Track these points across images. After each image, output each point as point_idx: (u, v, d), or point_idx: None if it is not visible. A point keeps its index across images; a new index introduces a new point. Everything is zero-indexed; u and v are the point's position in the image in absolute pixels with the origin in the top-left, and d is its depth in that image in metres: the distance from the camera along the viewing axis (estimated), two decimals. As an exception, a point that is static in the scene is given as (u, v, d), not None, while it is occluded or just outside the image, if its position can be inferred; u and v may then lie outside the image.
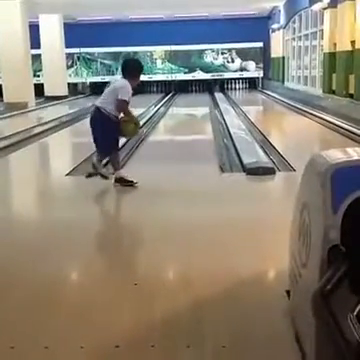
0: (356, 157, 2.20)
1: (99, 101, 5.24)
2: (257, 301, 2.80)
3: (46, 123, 11.93)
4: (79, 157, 7.17)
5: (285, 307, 2.59)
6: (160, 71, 23.24)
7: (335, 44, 12.79)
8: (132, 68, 5.27)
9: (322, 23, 14.15)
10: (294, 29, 18.95)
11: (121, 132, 5.29)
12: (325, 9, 13.39)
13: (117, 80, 5.32)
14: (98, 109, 5.17)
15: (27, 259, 3.56)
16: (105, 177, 5.36)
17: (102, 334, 2.51)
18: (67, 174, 6.25)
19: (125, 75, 5.20)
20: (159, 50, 23.04)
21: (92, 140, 5.40)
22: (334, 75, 12.93)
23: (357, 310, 1.61)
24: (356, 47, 11.25)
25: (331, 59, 13.00)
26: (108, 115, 5.11)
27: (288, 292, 2.59)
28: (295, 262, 2.32)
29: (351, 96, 11.59)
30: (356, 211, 1.91)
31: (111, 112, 5.11)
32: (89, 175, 5.91)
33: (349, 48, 11.69)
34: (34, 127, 11.25)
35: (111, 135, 5.21)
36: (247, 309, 2.72)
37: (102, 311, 2.76)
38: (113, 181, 5.33)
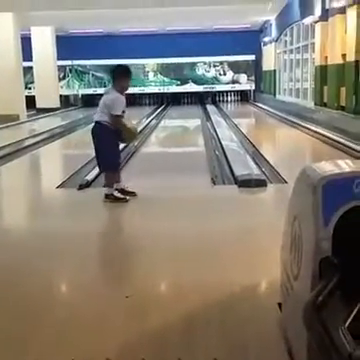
0: (347, 169, 2.20)
1: (97, 115, 5.21)
2: (249, 313, 2.79)
3: (37, 135, 11.91)
4: (70, 169, 7.15)
5: (277, 319, 2.58)
6: (152, 83, 23.34)
7: (326, 57, 12.91)
8: (116, 72, 5.23)
9: (313, 36, 14.30)
10: (286, 42, 19.13)
11: (120, 139, 5.33)
12: (316, 22, 13.53)
13: (108, 92, 5.27)
14: (98, 123, 5.17)
15: (16, 271, 3.53)
16: (132, 193, 5.35)
17: (93, 347, 2.48)
18: (58, 186, 6.22)
19: (113, 81, 5.22)
20: (151, 63, 23.16)
21: (94, 155, 5.44)
22: (325, 88, 13.04)
23: (348, 322, 1.61)
24: (347, 60, 11.36)
25: (322, 72, 13.11)
26: (108, 126, 5.11)
27: (280, 304, 2.58)
28: (287, 274, 2.31)
29: (342, 108, 11.68)
30: (347, 223, 1.91)
31: (110, 123, 5.12)
32: (80, 187, 5.91)
33: (340, 61, 11.80)
34: (25, 139, 11.22)
35: (112, 149, 5.22)
36: (239, 321, 2.70)
37: (93, 324, 2.73)
38: (103, 197, 5.22)
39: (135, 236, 4.45)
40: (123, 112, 5.16)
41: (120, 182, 5.36)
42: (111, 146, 5.20)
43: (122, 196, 5.21)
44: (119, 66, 5.43)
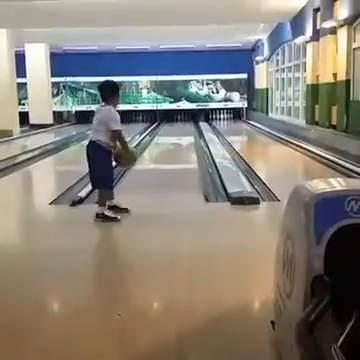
0: (339, 187, 2.22)
1: (92, 135, 5.16)
2: (242, 332, 2.78)
3: (30, 151, 11.90)
4: (63, 186, 7.14)
5: (270, 338, 2.57)
6: (145, 100, 23.45)
7: (318, 76, 13.06)
8: (107, 89, 5.18)
9: (305, 56, 14.48)
10: (278, 61, 19.34)
11: (117, 161, 5.33)
12: (307, 42, 13.72)
13: (100, 110, 5.18)
14: (93, 142, 5.10)
15: (7, 288, 3.50)
16: (125, 210, 5.34)
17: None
18: (51, 203, 6.20)
19: (105, 98, 5.11)
20: (145, 80, 23.30)
21: (88, 171, 5.41)
22: (317, 106, 13.17)
23: (341, 340, 1.61)
24: (338, 79, 11.51)
25: (314, 91, 13.25)
26: (104, 146, 5.04)
27: (273, 323, 2.57)
28: (279, 292, 2.32)
29: (334, 127, 11.79)
30: (339, 241, 1.92)
31: (106, 143, 5.04)
32: (73, 204, 5.89)
33: (331, 80, 11.95)
34: (18, 155, 11.21)
35: (106, 168, 5.17)
36: (232, 340, 2.69)
37: (84, 341, 2.71)
38: (94, 216, 5.15)
39: (127, 253, 4.44)
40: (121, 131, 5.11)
41: (113, 199, 5.34)
42: (105, 163, 5.14)
43: (113, 215, 5.13)
44: (108, 82, 5.30)
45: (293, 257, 2.09)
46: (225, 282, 3.52)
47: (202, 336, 2.76)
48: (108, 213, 5.13)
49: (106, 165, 5.16)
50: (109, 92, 5.16)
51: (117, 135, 5.07)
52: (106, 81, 5.34)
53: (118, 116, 5.10)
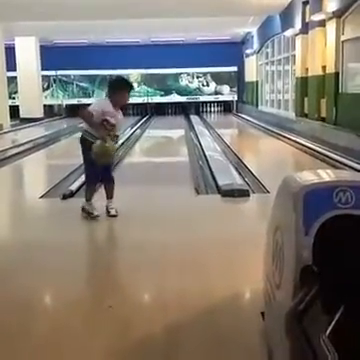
0: (328, 179, 2.24)
1: (85, 124, 5.04)
2: (232, 323, 2.80)
3: (21, 145, 11.83)
4: (54, 179, 7.12)
5: (260, 329, 2.60)
6: (136, 94, 23.38)
7: (307, 69, 13.09)
8: (110, 85, 5.11)
9: (294, 49, 14.49)
10: (267, 54, 19.35)
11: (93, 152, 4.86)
12: (297, 35, 13.73)
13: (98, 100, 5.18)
14: (83, 135, 4.98)
15: (-1, 282, 3.50)
16: (113, 216, 5.09)
17: (76, 357, 2.47)
18: (41, 196, 6.19)
19: (109, 93, 5.05)
20: (135, 73, 23.22)
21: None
22: (306, 99, 13.20)
23: (329, 330, 1.63)
24: (327, 72, 11.55)
25: (303, 83, 13.28)
26: (85, 136, 4.92)
27: (263, 313, 2.60)
28: (269, 283, 2.34)
29: (323, 119, 11.84)
30: (328, 232, 1.94)
31: (87, 131, 4.90)
32: (64, 197, 5.88)
33: (320, 73, 11.98)
34: (8, 149, 11.14)
35: (86, 162, 5.04)
36: (222, 332, 2.71)
37: (76, 335, 2.72)
38: (81, 210, 5.10)
39: (118, 246, 4.45)
40: (111, 124, 4.85)
41: (111, 199, 5.13)
42: (91, 161, 4.91)
43: (90, 211, 5.00)
44: (120, 80, 5.23)
45: (282, 248, 2.11)
46: (215, 274, 3.54)
47: (193, 327, 2.78)
48: (87, 207, 5.04)
49: (90, 161, 4.91)
50: (114, 89, 5.00)
51: (81, 112, 4.87)
52: (117, 78, 5.27)
53: (104, 106, 4.87)
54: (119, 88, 4.99)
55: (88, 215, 5.04)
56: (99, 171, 5.02)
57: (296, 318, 1.60)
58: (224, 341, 2.62)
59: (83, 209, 5.10)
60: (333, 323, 1.70)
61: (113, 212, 5.07)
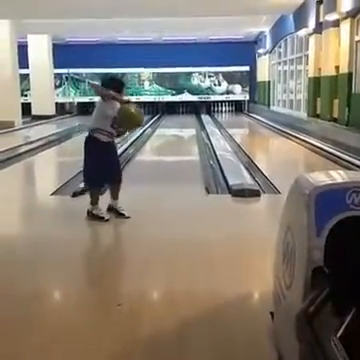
0: (340, 180, 2.22)
1: (91, 122, 4.92)
2: (241, 322, 2.79)
3: (32, 142, 11.89)
4: (65, 177, 7.14)
5: (269, 329, 2.59)
6: (148, 92, 23.40)
7: (320, 69, 13.00)
8: (116, 83, 4.99)
9: (307, 48, 14.41)
10: (280, 54, 19.26)
11: (123, 124, 4.79)
12: (310, 35, 13.65)
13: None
14: (90, 135, 4.86)
15: (7, 277, 3.52)
16: (122, 215, 5.01)
17: (84, 355, 2.47)
18: (52, 193, 6.21)
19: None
20: (147, 72, 23.23)
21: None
22: (319, 99, 13.12)
23: (340, 332, 1.62)
24: (340, 72, 11.46)
25: (316, 83, 13.20)
26: (100, 139, 4.79)
27: (272, 313, 2.58)
28: (279, 283, 2.32)
29: (335, 120, 11.76)
30: (339, 233, 1.92)
31: (99, 129, 4.78)
32: (74, 195, 5.90)
33: (333, 73, 11.90)
34: (20, 146, 11.20)
35: (97, 165, 4.82)
36: (231, 330, 2.70)
37: (84, 331, 2.73)
38: (86, 214, 5.00)
39: (128, 244, 4.45)
40: (119, 127, 4.83)
41: (116, 200, 5.05)
42: (96, 163, 4.81)
43: (101, 215, 4.91)
44: (113, 79, 5.15)
45: (293, 249, 2.09)
46: (225, 273, 3.53)
47: (202, 326, 2.77)
48: (96, 212, 4.92)
49: (96, 163, 4.81)
50: (110, 88, 4.84)
51: (96, 88, 4.76)
52: (110, 76, 5.14)
53: (115, 104, 4.75)
54: (123, 88, 4.99)
55: (99, 220, 4.87)
56: (104, 173, 4.88)
57: (307, 320, 1.59)
58: (232, 340, 2.61)
59: (92, 215, 4.93)
60: (344, 325, 1.68)
61: (125, 213, 4.99)
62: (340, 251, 1.94)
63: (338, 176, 2.31)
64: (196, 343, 2.59)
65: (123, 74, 22.23)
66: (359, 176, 2.67)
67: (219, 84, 23.38)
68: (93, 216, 4.92)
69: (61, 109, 22.33)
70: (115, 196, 5.04)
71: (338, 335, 1.58)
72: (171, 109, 22.85)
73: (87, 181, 5.14)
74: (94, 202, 4.96)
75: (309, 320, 1.59)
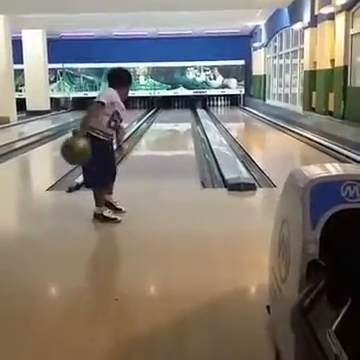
0: (335, 173, 2.22)
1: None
2: (238, 316, 2.80)
3: (27, 138, 11.86)
4: (60, 172, 7.12)
5: (266, 322, 2.59)
6: (143, 87, 23.34)
7: (315, 62, 12.99)
8: (120, 76, 4.80)
9: (302, 42, 14.39)
10: (275, 47, 19.23)
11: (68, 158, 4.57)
12: (305, 28, 13.63)
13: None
14: (88, 134, 4.54)
15: (3, 272, 3.51)
16: (119, 210, 4.91)
17: (82, 349, 2.47)
18: (48, 189, 6.20)
19: (111, 84, 4.73)
20: (142, 66, 23.17)
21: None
22: (314, 93, 13.12)
23: (335, 325, 1.62)
24: (336, 65, 11.46)
25: (311, 77, 13.20)
26: (97, 137, 4.56)
27: (268, 307, 2.59)
28: (275, 277, 2.33)
29: (330, 114, 11.76)
30: (334, 226, 1.92)
31: (98, 129, 4.57)
32: (70, 190, 5.89)
33: (329, 66, 11.89)
34: (15, 142, 11.17)
35: (99, 166, 4.55)
36: (228, 325, 2.71)
37: (82, 327, 2.73)
38: (92, 216, 4.77)
39: (124, 238, 4.45)
40: (117, 120, 4.65)
41: (111, 194, 4.92)
42: (98, 163, 4.50)
43: (113, 216, 4.75)
44: (121, 71, 4.88)
45: (289, 242, 2.10)
46: (221, 267, 3.54)
47: (198, 320, 2.78)
48: (107, 214, 4.77)
49: (98, 163, 4.50)
50: (116, 81, 4.72)
51: (91, 108, 4.55)
52: (118, 69, 4.91)
53: (113, 97, 4.57)
54: (129, 81, 4.85)
55: (112, 221, 4.70)
56: (109, 173, 4.77)
57: (302, 312, 1.59)
58: (229, 333, 2.62)
59: (104, 217, 4.72)
60: (339, 318, 1.68)
61: (122, 208, 4.93)
62: (335, 244, 1.94)
63: (333, 169, 2.32)
64: (192, 337, 2.60)
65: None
66: (354, 169, 2.67)
67: (214, 78, 23.34)
68: (104, 218, 4.72)
69: (56, 104, 22.24)
70: (110, 191, 4.99)
71: (333, 327, 1.58)
72: (166, 103, 22.80)
73: (94, 184, 4.79)
74: (101, 204, 4.76)
75: (304, 313, 1.59)
